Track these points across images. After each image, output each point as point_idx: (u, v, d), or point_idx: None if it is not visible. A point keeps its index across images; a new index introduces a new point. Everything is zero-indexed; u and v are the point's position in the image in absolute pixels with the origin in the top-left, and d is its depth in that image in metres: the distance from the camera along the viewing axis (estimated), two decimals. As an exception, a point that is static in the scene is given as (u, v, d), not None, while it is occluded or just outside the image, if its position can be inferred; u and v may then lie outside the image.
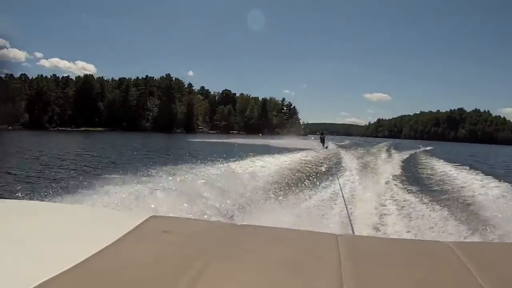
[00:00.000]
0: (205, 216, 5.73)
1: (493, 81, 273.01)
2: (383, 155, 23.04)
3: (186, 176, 7.91)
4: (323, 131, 36.68)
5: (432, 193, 9.76)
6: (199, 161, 10.93)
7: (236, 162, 12.07)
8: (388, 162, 18.49)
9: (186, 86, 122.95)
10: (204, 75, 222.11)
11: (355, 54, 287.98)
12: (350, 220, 4.60)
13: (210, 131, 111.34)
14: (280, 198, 7.96)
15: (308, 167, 13.35)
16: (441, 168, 15.89)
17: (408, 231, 6.41)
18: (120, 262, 1.41)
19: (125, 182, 7.24)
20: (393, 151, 26.88)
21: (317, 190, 9.39)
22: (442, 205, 8.07)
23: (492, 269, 1.48)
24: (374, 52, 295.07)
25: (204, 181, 7.41)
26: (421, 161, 20.61)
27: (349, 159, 18.45)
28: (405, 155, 23.96)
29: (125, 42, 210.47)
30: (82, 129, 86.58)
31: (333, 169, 13.99)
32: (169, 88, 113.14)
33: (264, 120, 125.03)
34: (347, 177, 12.25)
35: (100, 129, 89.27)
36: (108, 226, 1.89)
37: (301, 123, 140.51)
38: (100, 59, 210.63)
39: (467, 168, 14.99)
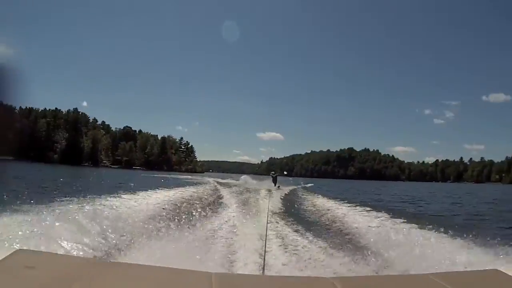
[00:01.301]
0: (76, 252, 5.31)
1: (383, 122, 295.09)
2: (264, 192, 22.81)
3: (65, 208, 7.40)
4: (274, 171, 37.35)
5: (312, 228, 9.70)
6: (90, 193, 10.22)
7: (128, 195, 11.55)
8: (269, 198, 18.33)
9: (91, 120, 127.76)
10: (98, 106, 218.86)
11: (247, 93, 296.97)
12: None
13: (113, 166, 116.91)
14: (161, 234, 7.72)
15: (189, 203, 13.06)
16: (319, 203, 16.15)
17: (290, 268, 6.18)
18: None
19: None
20: (274, 188, 26.79)
21: (197, 227, 9.03)
22: (323, 239, 8.16)
23: None
24: (266, 92, 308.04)
25: (86, 214, 7.07)
26: (300, 196, 20.96)
27: (230, 196, 18.32)
28: (286, 191, 24.04)
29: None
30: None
31: (215, 206, 13.81)
32: (77, 122, 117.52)
33: (164, 157, 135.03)
34: (227, 213, 12.05)
35: (10, 158, 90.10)
36: None
37: (198, 161, 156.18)
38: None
39: (343, 201, 15.66)
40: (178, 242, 7.26)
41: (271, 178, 33.99)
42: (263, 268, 4.74)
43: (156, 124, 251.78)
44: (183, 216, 10.01)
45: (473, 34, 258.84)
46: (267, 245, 7.10)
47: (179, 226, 8.75)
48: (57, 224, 6.03)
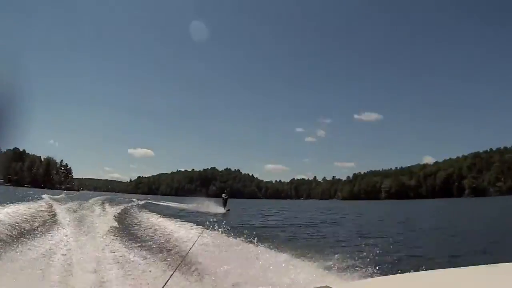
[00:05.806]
0: None
1: (254, 140, 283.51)
2: (98, 209, 22.55)
3: None
4: (226, 192, 33.06)
5: (147, 246, 9.69)
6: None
7: None
8: (104, 216, 18.22)
9: None
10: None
11: (120, 107, 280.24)
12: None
13: (6, 184, 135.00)
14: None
15: (21, 223, 12.37)
16: (152, 220, 16.24)
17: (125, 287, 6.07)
18: None
19: None
20: (107, 205, 26.31)
21: (27, 249, 8.57)
22: (158, 257, 8.15)
23: None
24: (138, 108, 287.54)
25: None
26: (133, 214, 20.81)
27: (65, 213, 17.66)
28: (120, 208, 23.58)
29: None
30: None
31: (49, 225, 13.21)
32: None
33: (47, 177, 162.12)
34: (62, 233, 11.43)
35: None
36: None
37: (74, 179, 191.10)
38: None
39: (174, 218, 16.26)
40: (7, 265, 6.75)
41: (221, 200, 31.02)
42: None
43: (28, 140, 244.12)
44: (13, 238, 9.40)
45: (347, 53, 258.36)
46: (102, 266, 7.24)
47: (10, 248, 8.19)
48: None
